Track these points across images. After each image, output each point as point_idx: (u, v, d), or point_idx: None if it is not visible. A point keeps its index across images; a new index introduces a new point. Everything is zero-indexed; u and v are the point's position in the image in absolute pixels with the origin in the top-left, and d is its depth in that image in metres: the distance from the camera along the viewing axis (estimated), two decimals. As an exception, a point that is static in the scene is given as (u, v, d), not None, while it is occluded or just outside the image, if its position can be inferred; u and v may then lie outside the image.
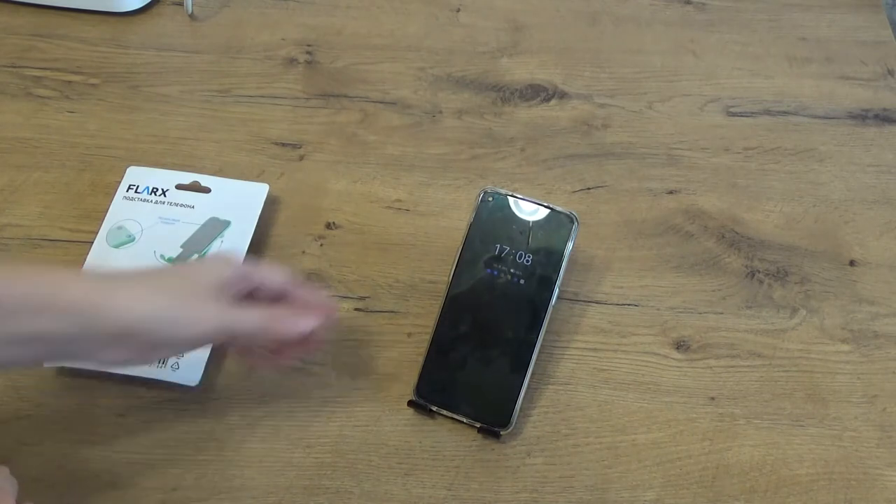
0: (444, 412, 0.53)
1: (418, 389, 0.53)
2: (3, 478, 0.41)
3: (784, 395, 0.55)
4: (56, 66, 0.74)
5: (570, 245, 0.54)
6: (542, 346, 0.53)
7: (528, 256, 0.54)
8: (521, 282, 0.53)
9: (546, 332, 0.53)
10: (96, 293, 0.40)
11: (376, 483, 0.51)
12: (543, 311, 0.53)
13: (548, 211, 0.55)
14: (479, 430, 0.53)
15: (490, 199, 0.55)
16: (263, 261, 0.49)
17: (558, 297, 0.53)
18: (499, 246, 0.54)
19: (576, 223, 0.54)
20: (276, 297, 0.48)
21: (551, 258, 0.54)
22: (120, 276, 0.43)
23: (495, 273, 0.54)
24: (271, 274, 0.48)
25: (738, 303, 0.60)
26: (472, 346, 0.53)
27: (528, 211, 0.55)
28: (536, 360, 0.53)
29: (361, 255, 0.62)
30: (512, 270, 0.54)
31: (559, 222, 0.54)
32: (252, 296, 0.48)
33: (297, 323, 0.46)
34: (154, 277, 0.44)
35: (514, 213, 0.55)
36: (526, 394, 0.52)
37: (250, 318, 0.45)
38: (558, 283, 0.53)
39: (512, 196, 0.56)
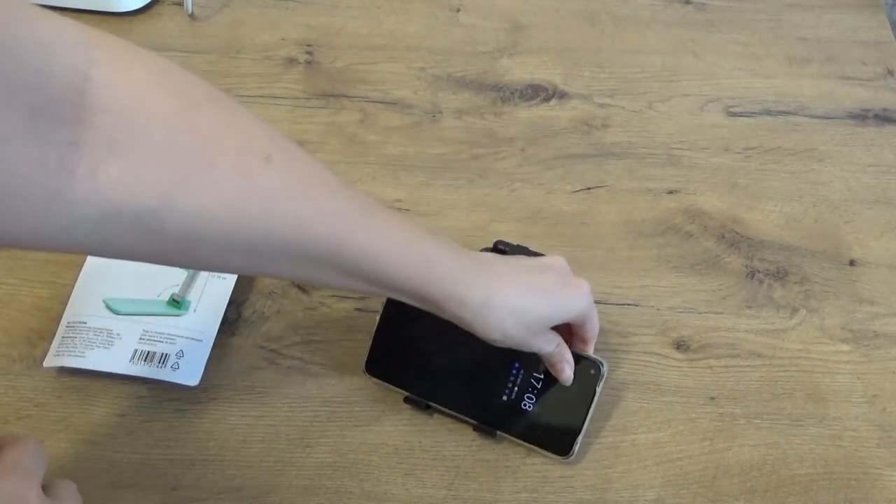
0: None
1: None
2: (31, 458, 0.41)
3: (784, 395, 0.55)
4: (56, 66, 0.74)
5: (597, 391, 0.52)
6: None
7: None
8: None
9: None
10: (471, 314, 0.45)
11: (376, 483, 0.51)
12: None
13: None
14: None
15: None
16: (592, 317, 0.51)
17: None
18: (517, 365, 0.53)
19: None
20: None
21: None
22: (502, 291, 0.46)
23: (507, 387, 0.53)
24: (592, 327, 0.51)
25: (738, 303, 0.60)
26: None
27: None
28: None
29: (361, 255, 0.62)
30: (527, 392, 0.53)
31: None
32: None
33: (566, 371, 0.50)
34: (528, 304, 0.47)
35: None
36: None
37: (548, 345, 0.49)
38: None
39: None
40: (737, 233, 0.64)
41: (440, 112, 0.72)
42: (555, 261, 0.50)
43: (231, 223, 0.36)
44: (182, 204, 0.35)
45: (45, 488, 0.39)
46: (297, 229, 0.39)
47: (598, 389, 0.51)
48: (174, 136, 0.34)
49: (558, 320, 0.48)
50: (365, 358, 0.54)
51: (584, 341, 0.52)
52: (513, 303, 0.46)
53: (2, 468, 0.37)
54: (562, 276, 0.49)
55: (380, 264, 0.42)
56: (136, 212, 0.33)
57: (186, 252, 0.38)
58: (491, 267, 0.47)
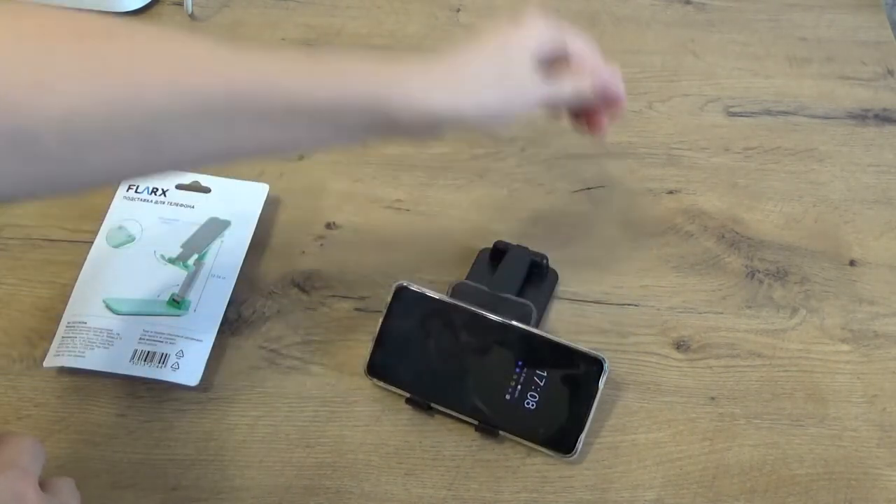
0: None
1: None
2: (29, 455, 0.39)
3: (784, 395, 0.55)
4: (56, 66, 0.74)
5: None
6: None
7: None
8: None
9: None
10: (425, 98, 0.39)
11: (376, 483, 0.51)
12: None
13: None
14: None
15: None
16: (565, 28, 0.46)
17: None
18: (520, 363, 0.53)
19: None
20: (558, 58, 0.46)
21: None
22: (441, 71, 0.41)
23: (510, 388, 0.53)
24: (580, 47, 0.47)
25: (738, 303, 0.60)
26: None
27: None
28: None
29: (361, 255, 0.62)
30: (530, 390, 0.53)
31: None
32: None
33: (607, 80, 0.45)
34: (472, 70, 0.41)
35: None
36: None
37: (567, 91, 0.44)
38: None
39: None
40: (737, 233, 0.64)
41: (440, 112, 0.72)
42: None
43: (103, 107, 0.34)
44: (47, 107, 0.33)
45: (43, 485, 0.39)
46: (170, 92, 0.35)
47: (601, 386, 0.51)
48: (12, 50, 0.33)
49: (535, 49, 0.43)
50: (366, 360, 0.54)
51: (593, 78, 0.46)
52: (473, 54, 0.41)
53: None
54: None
55: (283, 89, 0.38)
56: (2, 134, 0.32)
57: (74, 163, 0.35)
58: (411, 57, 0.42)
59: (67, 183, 0.37)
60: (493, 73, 0.42)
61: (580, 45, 0.47)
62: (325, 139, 0.41)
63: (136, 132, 0.35)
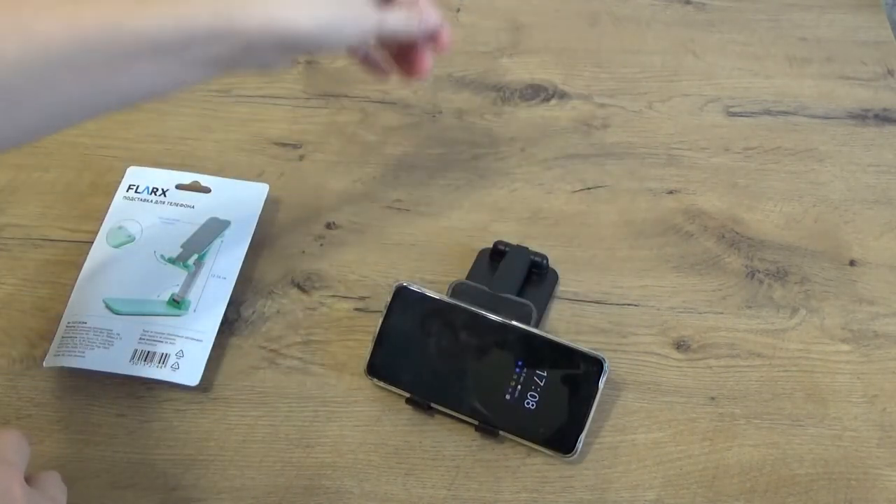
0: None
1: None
2: (13, 450, 0.40)
3: (784, 395, 0.55)
4: (56, 66, 0.74)
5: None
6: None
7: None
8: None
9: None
10: (264, 11, 0.40)
11: (376, 483, 0.51)
12: None
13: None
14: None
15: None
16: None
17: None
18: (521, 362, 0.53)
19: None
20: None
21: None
22: None
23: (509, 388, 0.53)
24: None
25: (738, 303, 0.60)
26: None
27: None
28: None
29: (361, 255, 0.62)
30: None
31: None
32: None
33: (433, 16, 0.48)
34: None
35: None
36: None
37: (396, 17, 0.47)
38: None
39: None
40: (737, 233, 0.64)
41: (440, 112, 0.72)
42: None
43: None
44: None
45: (29, 479, 0.39)
46: (23, 33, 0.35)
47: (600, 386, 0.51)
48: None
49: None
50: (366, 360, 0.54)
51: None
52: None
53: None
54: None
55: (130, 29, 0.37)
56: None
57: None
58: None
59: None
60: None
61: None
62: (175, 78, 0.41)
63: None
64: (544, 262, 0.59)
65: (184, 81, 0.42)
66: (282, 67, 0.44)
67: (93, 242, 0.60)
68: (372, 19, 0.45)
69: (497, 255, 0.59)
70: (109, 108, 0.42)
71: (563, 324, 0.58)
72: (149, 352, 0.54)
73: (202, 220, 0.61)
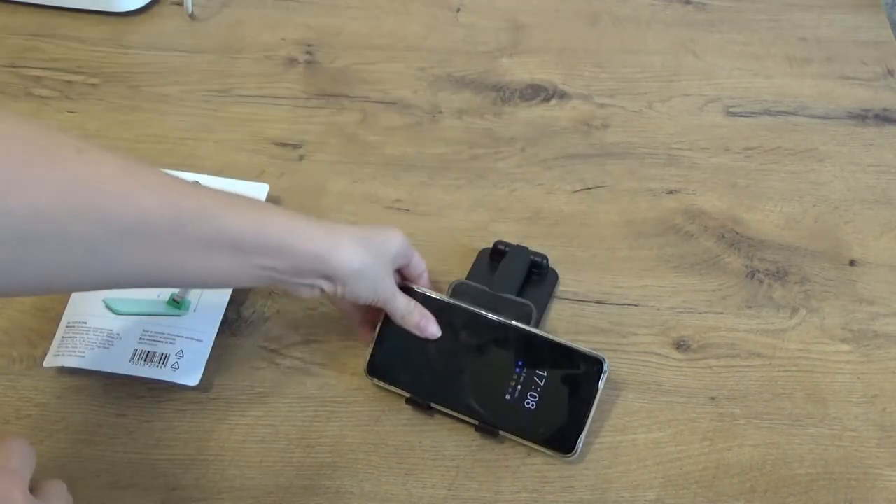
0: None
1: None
2: (18, 458, 0.40)
3: (784, 395, 0.55)
4: (56, 66, 0.74)
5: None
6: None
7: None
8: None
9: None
10: (326, 243, 0.47)
11: (376, 483, 0.51)
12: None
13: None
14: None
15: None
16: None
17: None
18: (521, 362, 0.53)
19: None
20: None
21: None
22: (340, 230, 0.49)
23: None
24: (418, 262, 0.55)
25: (738, 303, 0.60)
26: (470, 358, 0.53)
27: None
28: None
29: (361, 255, 0.62)
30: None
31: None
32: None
33: (430, 327, 0.53)
34: (363, 238, 0.50)
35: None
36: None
37: (404, 303, 0.53)
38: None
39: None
40: (737, 233, 0.64)
41: (440, 112, 0.72)
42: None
43: (63, 212, 0.37)
44: (10, 205, 0.36)
45: (34, 489, 0.39)
46: (126, 204, 0.40)
47: (600, 386, 0.51)
48: None
49: (393, 253, 0.51)
50: (366, 360, 0.54)
51: (413, 278, 0.55)
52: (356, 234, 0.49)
53: None
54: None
55: (222, 222, 0.43)
56: None
57: (17, 262, 0.38)
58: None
59: (6, 281, 0.39)
60: (376, 247, 0.51)
61: (418, 265, 0.55)
62: (235, 277, 0.47)
63: (82, 240, 0.39)
64: (544, 262, 0.59)
65: (238, 281, 0.48)
66: (307, 296, 0.50)
67: (93, 242, 0.59)
68: (391, 287, 0.52)
69: (497, 255, 0.59)
70: (167, 284, 0.48)
71: (563, 324, 0.58)
72: (149, 352, 0.54)
73: (202, 220, 0.61)
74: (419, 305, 0.53)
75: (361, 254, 0.49)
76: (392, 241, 0.52)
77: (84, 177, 0.39)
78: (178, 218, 0.42)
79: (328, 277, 0.48)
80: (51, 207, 0.37)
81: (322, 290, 0.49)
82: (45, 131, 0.39)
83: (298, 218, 0.48)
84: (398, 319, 0.53)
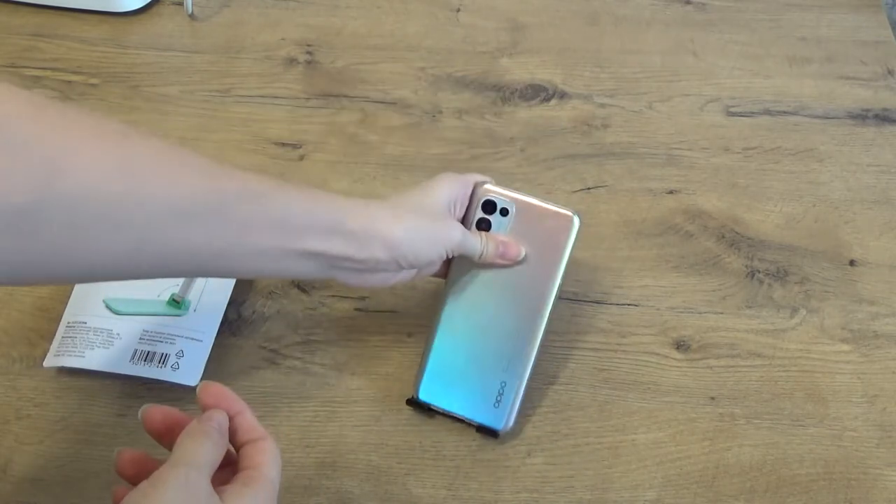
0: (444, 411, 0.53)
1: (418, 388, 0.53)
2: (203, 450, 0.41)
3: (784, 395, 0.55)
4: (56, 66, 0.74)
5: (570, 244, 0.52)
6: (541, 345, 0.53)
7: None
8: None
9: (546, 331, 0.53)
10: (375, 221, 0.46)
11: (376, 483, 0.51)
12: (543, 310, 0.52)
13: (548, 209, 0.53)
14: (478, 429, 0.53)
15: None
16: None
17: (559, 297, 0.52)
18: None
19: (576, 222, 0.52)
20: None
21: (551, 257, 0.53)
22: (386, 204, 0.48)
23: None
24: (481, 181, 0.53)
25: (738, 303, 0.60)
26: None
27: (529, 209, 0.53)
28: (536, 359, 0.52)
29: (361, 255, 0.62)
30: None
31: (559, 221, 0.52)
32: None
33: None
34: (410, 205, 0.49)
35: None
36: (526, 394, 0.52)
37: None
38: (558, 282, 0.52)
39: (511, 195, 0.53)
40: (737, 233, 0.64)
41: (440, 112, 0.72)
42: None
43: (110, 195, 0.37)
44: (61, 188, 0.35)
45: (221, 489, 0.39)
46: (172, 186, 0.40)
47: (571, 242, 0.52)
48: (33, 131, 0.35)
49: (445, 200, 0.51)
50: (416, 385, 0.53)
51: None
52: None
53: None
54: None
55: (268, 203, 0.43)
56: (8, 211, 0.34)
57: (68, 248, 0.38)
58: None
59: (56, 267, 0.39)
60: (428, 208, 0.50)
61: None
62: (285, 264, 0.46)
63: (129, 224, 0.38)
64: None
65: (287, 268, 0.46)
66: (375, 283, 0.49)
67: (93, 242, 0.60)
68: (457, 238, 0.50)
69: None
70: (217, 270, 0.46)
71: (562, 324, 0.58)
72: (149, 352, 0.54)
73: (202, 220, 0.61)
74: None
75: (406, 218, 0.48)
76: (439, 189, 0.51)
77: (129, 160, 0.39)
78: (222, 199, 0.41)
79: (388, 248, 0.47)
80: (97, 191, 0.37)
81: (389, 269, 0.48)
82: (91, 116, 0.39)
83: (347, 199, 0.47)
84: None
